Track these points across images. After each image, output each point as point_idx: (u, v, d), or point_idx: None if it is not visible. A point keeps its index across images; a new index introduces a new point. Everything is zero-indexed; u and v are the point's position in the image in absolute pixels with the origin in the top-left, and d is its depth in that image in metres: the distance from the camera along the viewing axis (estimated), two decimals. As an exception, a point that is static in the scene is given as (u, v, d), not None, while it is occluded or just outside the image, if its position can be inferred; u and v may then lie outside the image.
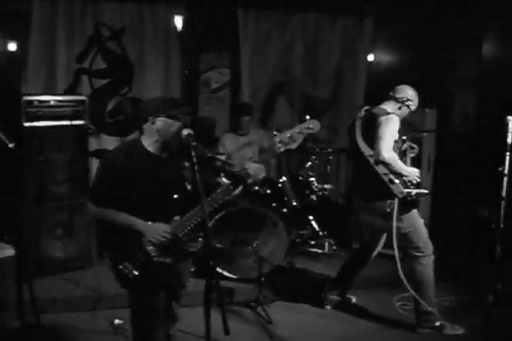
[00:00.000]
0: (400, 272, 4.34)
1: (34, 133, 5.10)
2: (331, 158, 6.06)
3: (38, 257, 5.16)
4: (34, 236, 5.16)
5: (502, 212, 3.68)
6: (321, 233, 6.01)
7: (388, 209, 4.30)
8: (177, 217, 3.32)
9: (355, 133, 4.44)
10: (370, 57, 7.20)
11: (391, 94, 4.52)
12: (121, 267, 3.23)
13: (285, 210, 5.58)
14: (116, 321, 4.54)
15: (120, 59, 6.33)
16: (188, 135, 3.18)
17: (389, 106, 4.47)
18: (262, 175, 3.39)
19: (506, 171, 3.75)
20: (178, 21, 6.37)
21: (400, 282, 5.24)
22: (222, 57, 6.80)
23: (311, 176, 5.81)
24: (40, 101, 5.11)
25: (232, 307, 4.97)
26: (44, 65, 5.98)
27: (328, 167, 6.20)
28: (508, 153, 3.77)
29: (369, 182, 4.41)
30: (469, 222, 6.37)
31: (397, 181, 4.24)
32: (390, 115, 4.29)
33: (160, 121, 3.27)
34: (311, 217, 6.06)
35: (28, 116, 5.04)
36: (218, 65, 6.80)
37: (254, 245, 5.09)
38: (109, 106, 6.37)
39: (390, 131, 4.24)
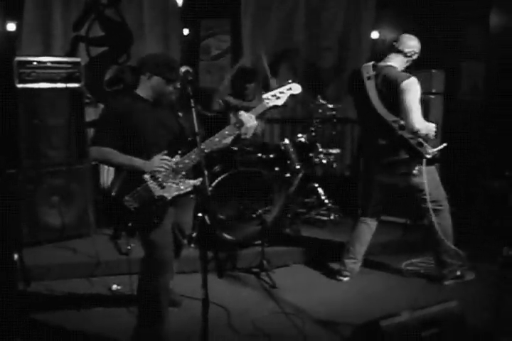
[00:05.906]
0: (437, 226, 4.31)
1: (28, 96, 4.95)
2: (335, 120, 5.82)
3: (33, 224, 5.00)
4: (29, 203, 5.00)
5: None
6: (326, 201, 5.83)
7: (415, 172, 4.22)
8: (177, 156, 3.44)
9: (369, 96, 4.25)
10: (375, 35, 6.96)
11: (397, 46, 4.31)
12: (125, 199, 3.36)
13: (289, 175, 5.40)
14: (114, 286, 4.47)
15: (118, 27, 6.19)
16: (186, 71, 3.35)
17: (397, 61, 4.31)
18: (254, 123, 3.46)
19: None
20: (178, -13, 6.21)
21: (406, 248, 5.23)
22: (223, 23, 6.64)
23: (316, 140, 5.62)
24: (33, 63, 4.95)
25: (235, 273, 4.84)
26: (40, 33, 5.85)
27: (333, 132, 5.98)
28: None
29: (390, 145, 4.27)
30: (475, 191, 6.19)
31: (425, 143, 4.13)
32: (410, 79, 4.12)
33: (155, 80, 3.45)
34: (316, 185, 5.89)
35: (22, 77, 4.90)
36: (219, 32, 6.66)
37: (259, 211, 4.92)
38: (108, 75, 6.23)
39: (415, 97, 4.12)
